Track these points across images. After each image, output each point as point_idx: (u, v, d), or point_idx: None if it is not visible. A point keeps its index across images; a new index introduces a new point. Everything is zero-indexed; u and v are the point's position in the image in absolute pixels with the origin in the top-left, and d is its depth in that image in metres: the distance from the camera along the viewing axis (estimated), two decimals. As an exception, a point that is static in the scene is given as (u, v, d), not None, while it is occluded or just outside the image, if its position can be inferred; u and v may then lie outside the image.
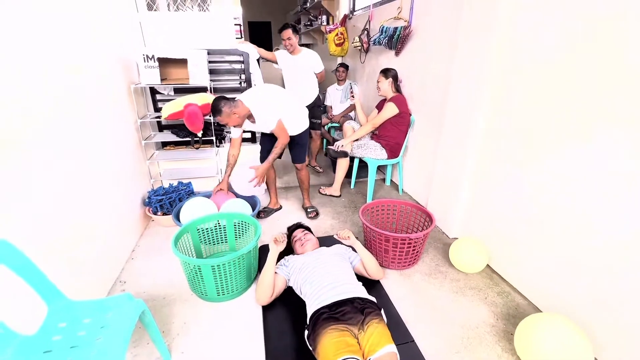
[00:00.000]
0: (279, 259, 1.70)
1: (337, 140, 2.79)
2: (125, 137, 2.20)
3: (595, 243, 1.37)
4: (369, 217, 2.21)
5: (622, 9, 1.21)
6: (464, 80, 2.02)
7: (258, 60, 2.79)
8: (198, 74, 2.39)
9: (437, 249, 2.16)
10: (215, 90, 2.62)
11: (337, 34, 3.89)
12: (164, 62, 2.43)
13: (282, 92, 2.27)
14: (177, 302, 1.70)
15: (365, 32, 3.32)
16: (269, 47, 3.13)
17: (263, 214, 2.56)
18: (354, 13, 4.09)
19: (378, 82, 2.68)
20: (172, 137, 2.63)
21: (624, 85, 1.22)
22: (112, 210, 1.92)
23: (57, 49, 1.49)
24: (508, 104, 1.74)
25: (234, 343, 1.48)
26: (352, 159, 2.90)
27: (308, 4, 5.36)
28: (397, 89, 2.70)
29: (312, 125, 3.22)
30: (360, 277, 1.71)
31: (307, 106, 2.81)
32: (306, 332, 1.33)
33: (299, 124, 2.30)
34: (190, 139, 2.62)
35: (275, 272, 1.64)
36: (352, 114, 3.75)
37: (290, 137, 2.30)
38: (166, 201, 2.34)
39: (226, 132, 2.81)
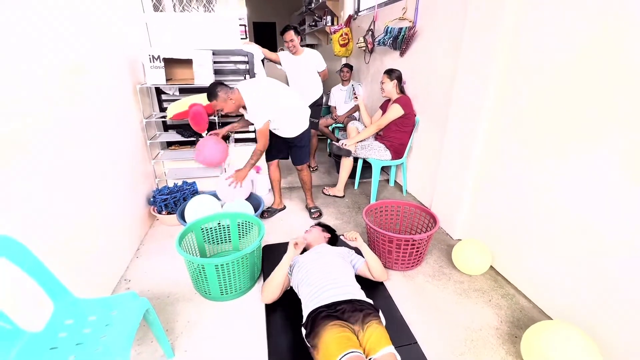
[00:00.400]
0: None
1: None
2: (130, 136, 2.22)
3: (600, 246, 1.36)
4: (373, 218, 2.20)
5: (630, 10, 1.20)
6: (468, 81, 2.01)
7: (262, 60, 2.80)
8: (203, 74, 2.41)
9: (441, 251, 2.15)
10: (220, 90, 2.63)
11: (341, 35, 3.89)
12: (170, 63, 2.45)
13: (284, 92, 2.22)
14: (181, 301, 1.71)
15: (370, 32, 3.32)
16: (273, 48, 3.14)
17: (267, 214, 2.57)
18: (359, 14, 4.09)
19: (382, 82, 2.67)
20: (177, 137, 2.65)
21: (630, 87, 1.21)
22: (117, 209, 1.93)
23: (64, 49, 1.50)
24: (513, 104, 1.73)
25: (237, 342, 1.49)
26: (355, 159, 2.90)
27: (313, 5, 5.37)
28: (401, 90, 2.69)
29: (310, 125, 3.23)
30: (363, 278, 1.71)
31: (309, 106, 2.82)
32: (304, 330, 1.31)
33: (297, 125, 2.28)
34: (195, 139, 2.63)
35: None
36: (356, 114, 3.75)
37: (289, 139, 2.30)
38: (171, 200, 2.36)
39: (230, 132, 2.82)
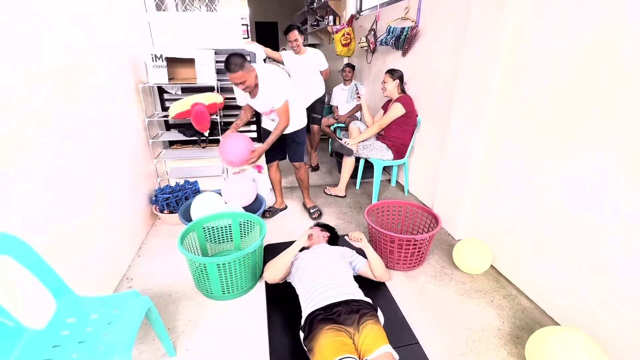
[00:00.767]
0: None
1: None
2: (133, 135, 2.22)
3: (601, 246, 1.35)
4: (375, 217, 2.20)
5: (630, 11, 1.19)
6: (470, 80, 2.00)
7: (265, 60, 2.80)
8: (205, 74, 2.41)
9: (443, 251, 2.14)
10: (222, 89, 2.64)
11: (343, 34, 3.88)
12: (172, 62, 2.45)
13: (291, 82, 2.25)
14: (183, 299, 1.72)
15: (372, 32, 3.32)
16: (275, 47, 3.15)
17: (268, 213, 2.57)
18: (361, 13, 4.08)
19: (384, 82, 2.67)
20: (179, 136, 2.66)
21: (630, 87, 1.20)
22: (120, 208, 1.94)
23: (66, 48, 1.51)
24: (515, 104, 1.73)
25: (239, 341, 1.49)
26: (357, 159, 2.90)
27: (315, 4, 5.37)
28: (403, 90, 2.69)
29: (313, 120, 3.25)
30: (364, 278, 1.71)
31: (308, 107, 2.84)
32: (301, 334, 1.31)
33: (297, 120, 2.29)
34: (197, 138, 2.64)
35: None
36: (357, 114, 3.74)
37: (287, 134, 2.29)
38: (172, 200, 2.36)
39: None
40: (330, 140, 4.05)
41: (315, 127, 3.35)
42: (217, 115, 2.48)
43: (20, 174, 1.18)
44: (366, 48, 3.43)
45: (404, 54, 2.88)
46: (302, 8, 6.51)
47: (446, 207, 2.34)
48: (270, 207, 2.63)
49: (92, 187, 1.65)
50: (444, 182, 2.37)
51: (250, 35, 3.22)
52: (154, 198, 2.40)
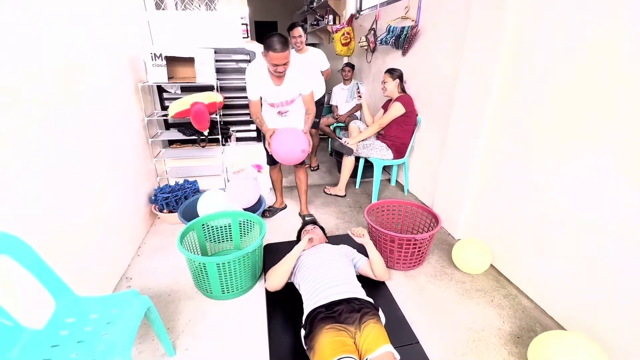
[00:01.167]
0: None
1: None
2: (132, 135, 2.22)
3: (601, 246, 1.35)
4: (374, 217, 2.20)
5: (630, 11, 1.19)
6: (471, 80, 2.00)
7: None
8: (205, 73, 2.40)
9: (443, 250, 2.14)
10: (222, 89, 2.64)
11: (343, 34, 3.88)
12: (172, 61, 2.44)
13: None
14: (182, 299, 1.71)
15: (372, 31, 3.31)
16: (275, 47, 3.13)
17: (268, 213, 2.56)
18: (361, 12, 4.08)
19: (384, 82, 2.66)
20: (179, 136, 2.65)
21: (630, 88, 1.20)
22: (119, 208, 1.93)
23: (66, 47, 1.50)
24: (515, 104, 1.73)
25: (238, 341, 1.48)
26: (357, 158, 2.90)
27: (314, 4, 5.36)
28: (403, 89, 2.68)
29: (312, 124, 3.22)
30: (365, 277, 1.71)
31: None
32: (302, 332, 1.31)
33: (302, 120, 2.27)
34: (196, 138, 2.63)
35: None
36: (357, 113, 3.74)
37: None
38: (172, 199, 2.36)
39: (232, 131, 2.82)
40: (330, 139, 4.04)
41: (312, 130, 3.32)
42: (216, 115, 2.47)
43: (19, 173, 1.18)
44: (366, 47, 3.43)
45: (404, 54, 2.88)
46: (302, 7, 6.51)
47: (446, 206, 2.34)
48: (270, 207, 2.62)
49: (92, 187, 1.64)
50: (444, 182, 2.36)
51: (250, 35, 3.21)
52: (153, 197, 2.40)
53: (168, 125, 2.80)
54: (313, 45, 5.67)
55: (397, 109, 2.58)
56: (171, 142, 2.82)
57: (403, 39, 2.74)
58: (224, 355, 1.42)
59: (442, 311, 1.65)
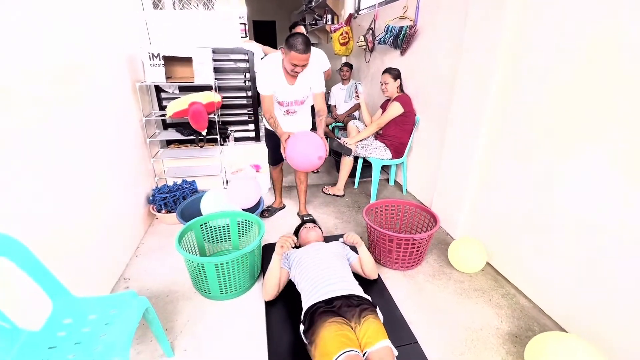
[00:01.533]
0: None
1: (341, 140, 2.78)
2: (130, 135, 2.21)
3: (600, 246, 1.35)
4: (373, 217, 2.20)
5: (630, 12, 1.19)
6: (469, 80, 2.00)
7: (262, 59, 2.78)
8: (203, 73, 2.39)
9: (441, 250, 2.14)
10: (220, 88, 2.63)
11: (341, 33, 3.88)
12: (169, 61, 2.43)
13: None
14: (181, 299, 1.71)
15: (371, 31, 3.31)
16: (273, 47, 3.13)
17: (267, 213, 2.56)
18: (359, 12, 4.08)
19: (386, 83, 2.64)
20: (177, 136, 2.64)
21: (630, 88, 1.20)
22: (117, 208, 1.93)
23: (63, 46, 1.49)
24: (514, 104, 1.73)
25: (237, 341, 1.48)
26: (356, 158, 2.90)
27: (313, 3, 5.35)
28: (401, 88, 2.69)
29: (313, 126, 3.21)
30: (363, 278, 1.71)
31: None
32: (302, 326, 1.32)
33: (307, 121, 2.29)
34: (194, 138, 2.63)
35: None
36: (356, 113, 3.74)
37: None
38: (170, 199, 2.35)
39: (231, 131, 2.82)
40: (328, 139, 4.03)
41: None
42: (214, 115, 2.47)
43: (16, 174, 1.17)
44: (364, 47, 3.42)
45: (402, 53, 2.88)
46: (300, 7, 6.50)
47: (445, 206, 2.34)
48: (268, 207, 2.62)
49: (89, 187, 1.63)
50: (442, 181, 2.37)
51: (248, 34, 3.20)
52: (151, 197, 2.39)
53: (166, 125, 2.79)
54: (312, 44, 5.66)
55: (395, 109, 2.58)
56: (169, 142, 2.81)
57: (401, 39, 2.74)
58: (222, 356, 1.42)
59: (440, 311, 1.66)
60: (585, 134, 1.38)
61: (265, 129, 2.38)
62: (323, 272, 1.46)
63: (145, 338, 1.46)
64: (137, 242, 2.18)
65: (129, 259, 2.01)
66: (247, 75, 2.73)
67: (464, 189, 2.12)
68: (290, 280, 1.65)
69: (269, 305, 1.63)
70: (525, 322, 1.58)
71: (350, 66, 3.76)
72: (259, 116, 2.85)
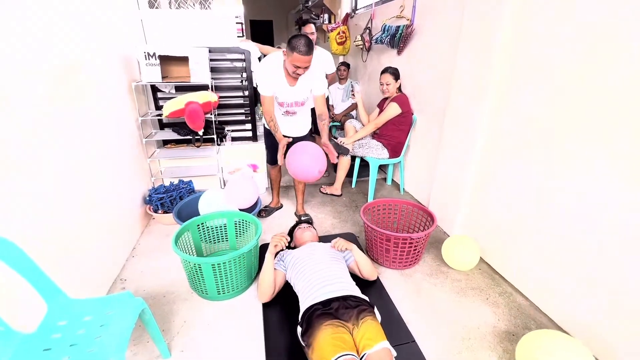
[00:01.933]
0: (275, 255, 1.68)
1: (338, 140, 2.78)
2: (126, 135, 2.19)
3: (597, 246, 1.36)
4: (370, 216, 2.20)
5: (630, 12, 1.19)
6: (466, 79, 2.01)
7: (259, 58, 2.78)
8: (199, 72, 2.38)
9: (439, 249, 2.14)
10: (216, 88, 2.62)
11: (338, 33, 3.87)
12: (165, 60, 2.42)
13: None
14: (178, 300, 1.70)
15: (367, 30, 3.31)
16: (270, 46, 3.11)
17: (264, 212, 2.55)
18: (356, 11, 4.07)
19: (388, 84, 2.62)
20: (173, 135, 2.63)
21: (629, 88, 1.21)
22: (113, 209, 1.91)
23: (58, 46, 1.48)
24: (511, 104, 1.73)
25: (234, 341, 1.48)
26: (353, 158, 2.89)
27: (310, 3, 5.35)
28: (399, 88, 2.69)
29: (315, 129, 3.19)
30: (361, 278, 1.71)
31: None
32: (299, 329, 1.31)
33: (307, 124, 2.28)
34: (191, 137, 2.62)
35: (275, 269, 1.63)
36: (353, 112, 3.74)
37: (294, 138, 2.26)
38: (167, 199, 2.34)
39: (227, 130, 2.81)
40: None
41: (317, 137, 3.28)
42: (211, 114, 2.45)
43: (10, 174, 1.16)
44: (361, 46, 3.42)
45: (399, 53, 2.88)
46: (297, 6, 6.49)
47: (442, 205, 2.35)
48: (265, 207, 2.61)
49: (85, 187, 1.62)
50: (440, 181, 2.37)
51: (245, 34, 3.18)
52: (148, 198, 2.38)
53: (162, 125, 2.78)
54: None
55: (393, 109, 2.58)
56: (166, 142, 2.79)
57: (398, 38, 2.74)
58: (219, 356, 1.41)
59: (437, 309, 1.66)
60: (585, 134, 1.38)
61: (264, 128, 2.37)
62: (319, 272, 1.46)
63: (142, 339, 1.46)
64: (134, 242, 2.17)
65: (125, 260, 2.00)
66: (244, 74, 2.72)
67: (461, 188, 2.12)
68: (287, 281, 1.65)
69: (266, 305, 1.63)
70: (522, 321, 1.59)
71: (347, 65, 3.75)
72: (256, 116, 2.84)
